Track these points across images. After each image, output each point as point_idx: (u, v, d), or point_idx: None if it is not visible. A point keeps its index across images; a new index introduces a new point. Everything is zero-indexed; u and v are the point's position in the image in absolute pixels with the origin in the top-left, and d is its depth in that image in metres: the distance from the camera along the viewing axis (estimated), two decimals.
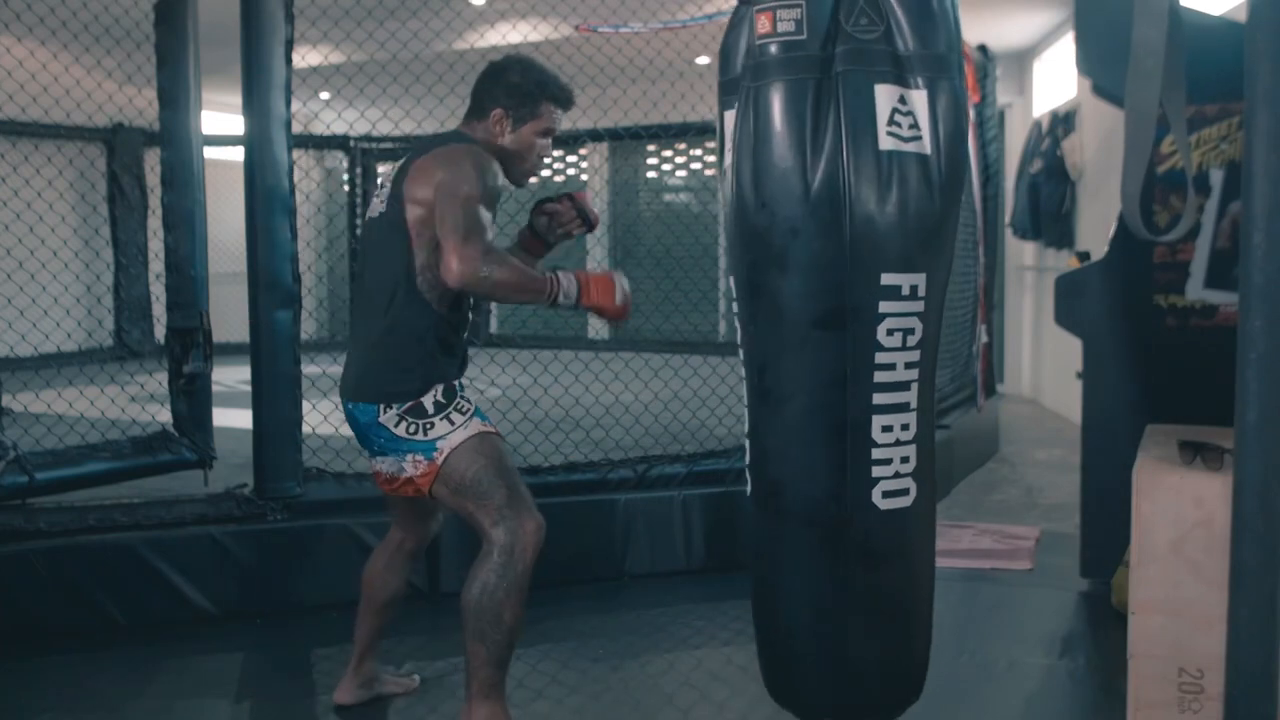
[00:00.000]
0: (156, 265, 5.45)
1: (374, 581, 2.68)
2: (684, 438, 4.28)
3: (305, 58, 4.11)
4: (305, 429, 3.56)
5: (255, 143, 3.40)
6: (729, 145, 2.03)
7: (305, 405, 3.56)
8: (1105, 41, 3.18)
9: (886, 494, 1.99)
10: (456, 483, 2.31)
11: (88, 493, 3.53)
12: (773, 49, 1.93)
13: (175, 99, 3.84)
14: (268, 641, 3.25)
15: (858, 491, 1.99)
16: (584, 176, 10.34)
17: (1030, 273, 7.78)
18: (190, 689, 2.91)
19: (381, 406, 2.33)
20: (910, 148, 1.91)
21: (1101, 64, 3.31)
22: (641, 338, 8.04)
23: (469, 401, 2.38)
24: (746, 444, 2.14)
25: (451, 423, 2.33)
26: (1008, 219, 7.31)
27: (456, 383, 2.39)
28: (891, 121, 1.90)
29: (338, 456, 3.76)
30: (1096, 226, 6.08)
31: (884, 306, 1.94)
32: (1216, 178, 3.17)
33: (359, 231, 10.51)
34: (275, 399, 3.45)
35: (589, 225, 2.56)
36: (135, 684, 2.91)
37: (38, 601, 3.20)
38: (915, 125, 1.91)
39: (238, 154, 3.54)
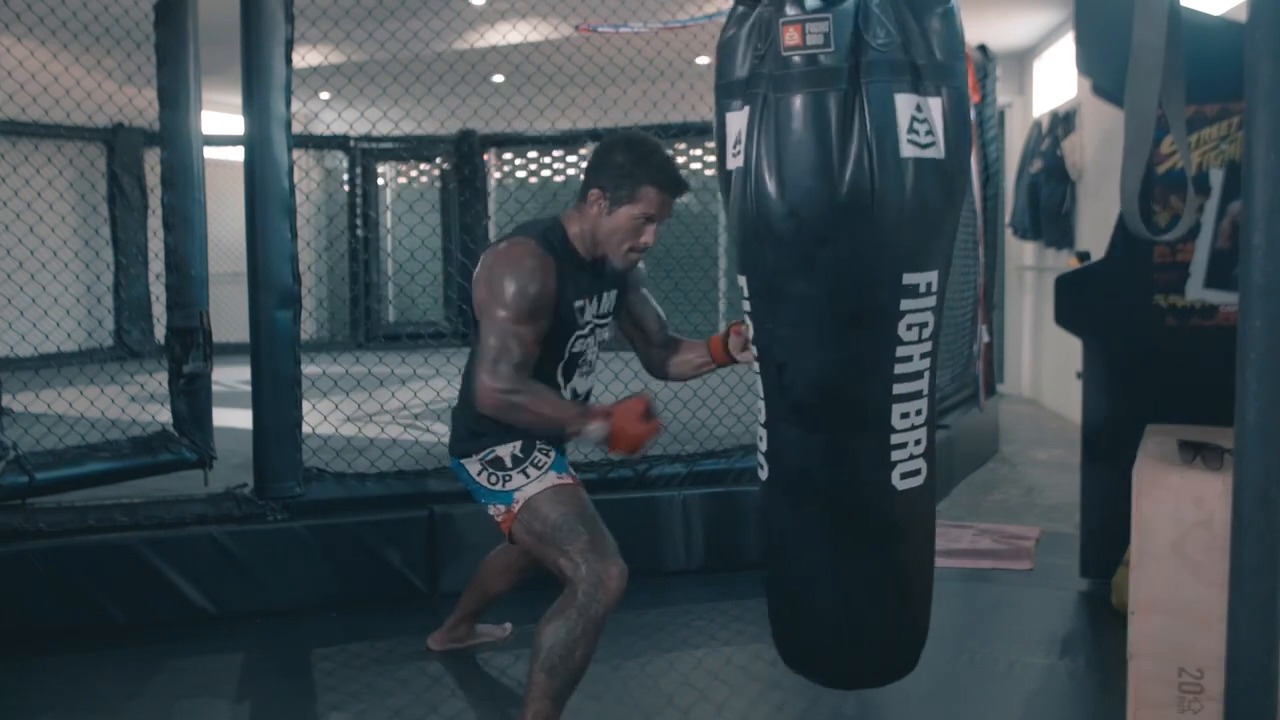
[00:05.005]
0: (156, 265, 5.45)
1: (490, 573, 2.92)
2: (684, 438, 4.27)
3: (305, 58, 4.11)
4: (305, 429, 3.55)
5: (255, 143, 3.40)
6: (737, 150, 2.05)
7: (305, 405, 3.56)
8: (1105, 41, 3.18)
9: (904, 475, 2.08)
10: (538, 530, 2.37)
11: (88, 493, 3.53)
12: (797, 60, 1.97)
13: (175, 99, 3.84)
14: (268, 641, 3.25)
15: (876, 475, 2.06)
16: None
17: (1030, 273, 7.78)
18: (190, 689, 2.91)
19: (465, 460, 2.48)
20: (928, 153, 1.97)
21: (1101, 64, 3.30)
22: None
23: (547, 456, 2.44)
24: (764, 433, 2.18)
25: (527, 476, 2.40)
26: (1008, 219, 7.31)
27: (536, 441, 2.44)
28: (911, 130, 1.96)
29: (338, 456, 3.76)
30: (1096, 226, 6.08)
31: (904, 304, 2.01)
32: (1216, 178, 3.17)
33: (360, 232, 10.53)
34: (275, 399, 3.44)
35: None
36: (135, 684, 2.91)
37: (38, 601, 3.20)
38: (931, 131, 1.98)
39: (238, 154, 3.54)
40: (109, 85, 5.64)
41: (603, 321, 2.55)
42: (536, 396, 2.27)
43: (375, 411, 5.91)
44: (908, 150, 1.95)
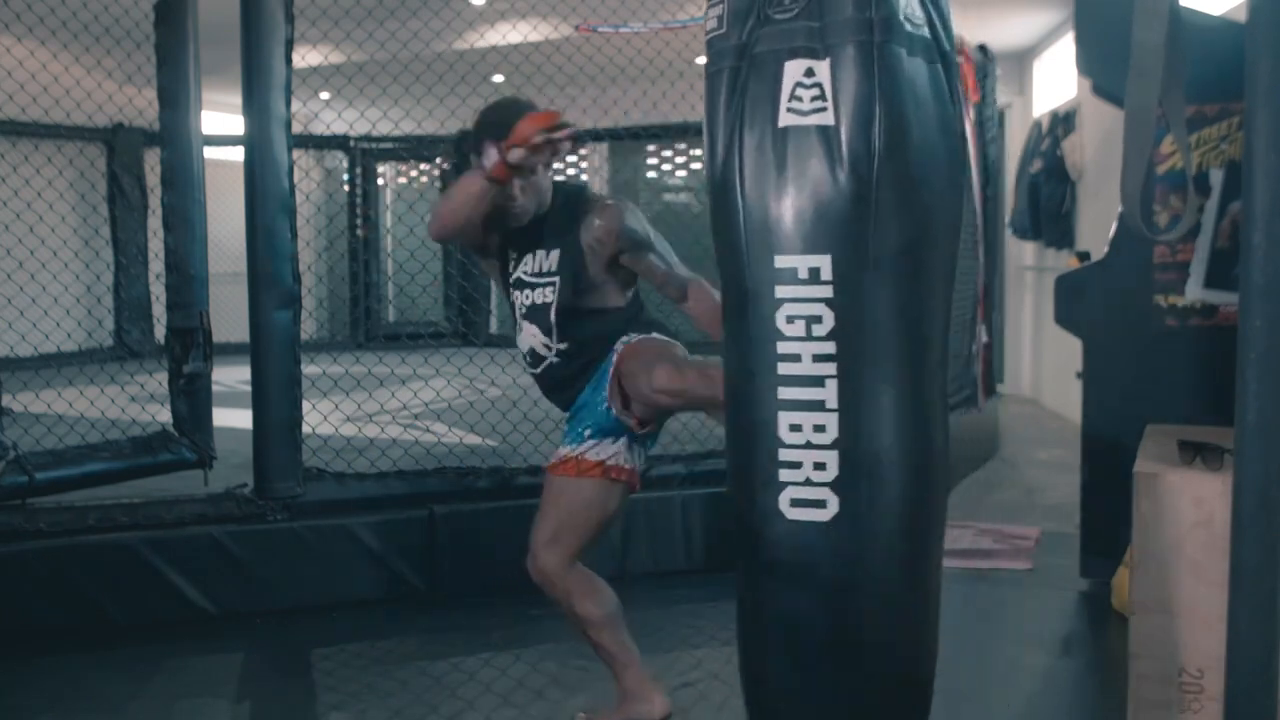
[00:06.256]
0: (156, 265, 5.45)
1: None
2: (684, 438, 4.27)
3: (305, 58, 4.11)
4: (305, 429, 3.56)
5: (255, 143, 3.40)
6: None
7: (305, 405, 3.56)
8: (1105, 41, 3.18)
9: (797, 502, 1.82)
10: None
11: (88, 493, 3.52)
12: (710, 47, 1.93)
13: (175, 99, 3.84)
14: (268, 641, 3.25)
15: (763, 493, 1.85)
16: (584, 176, 10.33)
17: (1030, 273, 7.78)
18: (190, 689, 2.91)
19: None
20: (811, 120, 1.79)
21: (1101, 64, 3.31)
22: None
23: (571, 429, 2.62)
24: None
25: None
26: (1008, 219, 7.31)
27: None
28: (793, 97, 1.80)
29: (338, 456, 3.76)
30: (1096, 226, 6.08)
31: (780, 291, 1.82)
32: (1216, 178, 3.16)
33: (360, 232, 10.52)
34: (275, 399, 3.45)
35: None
36: (135, 684, 2.91)
37: (38, 601, 3.20)
38: (821, 96, 1.79)
39: (238, 154, 3.54)
40: (109, 85, 5.64)
41: (540, 281, 2.53)
42: (445, 192, 2.38)
43: (375, 411, 5.91)
44: (786, 119, 1.79)
